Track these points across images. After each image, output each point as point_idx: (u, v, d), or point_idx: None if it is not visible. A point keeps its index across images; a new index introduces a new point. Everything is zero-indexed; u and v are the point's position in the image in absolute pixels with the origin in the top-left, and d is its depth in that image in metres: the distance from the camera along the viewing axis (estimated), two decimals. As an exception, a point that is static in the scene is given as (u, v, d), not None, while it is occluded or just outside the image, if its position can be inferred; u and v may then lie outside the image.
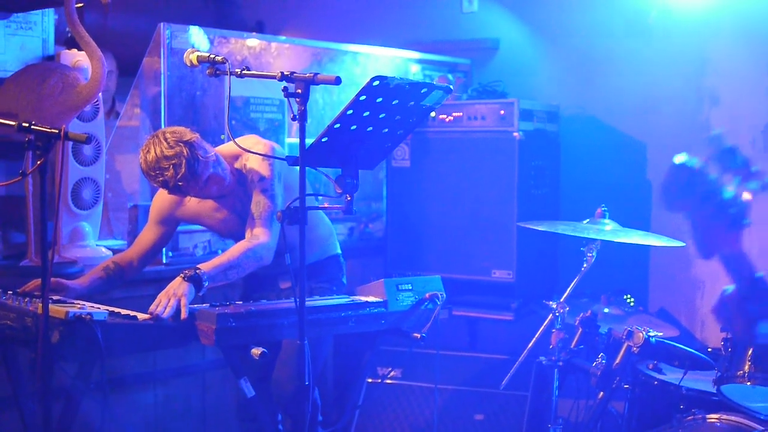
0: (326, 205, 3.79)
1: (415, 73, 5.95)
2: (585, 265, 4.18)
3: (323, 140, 3.10)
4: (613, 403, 4.02)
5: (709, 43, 5.40)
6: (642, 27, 5.56)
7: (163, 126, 4.50)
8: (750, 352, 3.57)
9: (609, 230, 4.14)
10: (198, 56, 3.40)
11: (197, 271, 3.42)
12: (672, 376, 4.04)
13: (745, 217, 1.67)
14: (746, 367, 3.56)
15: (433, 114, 5.30)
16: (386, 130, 3.21)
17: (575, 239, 4.19)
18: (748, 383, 3.55)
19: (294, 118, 2.99)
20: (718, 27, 5.35)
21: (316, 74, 3.01)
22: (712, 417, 3.71)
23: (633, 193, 5.64)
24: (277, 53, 5.17)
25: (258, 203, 3.68)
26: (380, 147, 3.33)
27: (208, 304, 3.42)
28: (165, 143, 3.50)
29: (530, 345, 4.18)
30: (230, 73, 3.28)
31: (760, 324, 1.78)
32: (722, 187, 1.63)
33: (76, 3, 3.93)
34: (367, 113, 3.08)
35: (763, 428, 3.58)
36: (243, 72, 3.30)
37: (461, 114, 5.33)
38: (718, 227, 1.66)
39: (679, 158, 1.63)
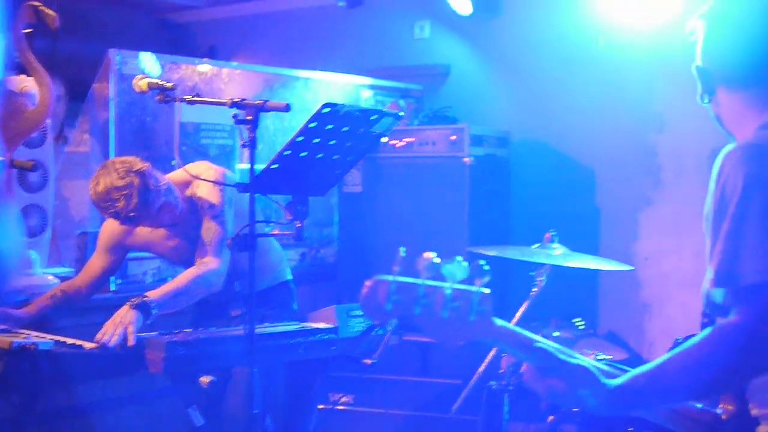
0: (276, 232, 3.78)
1: (366, 98, 5.98)
2: (534, 290, 4.20)
3: (273, 167, 3.10)
4: (563, 426, 4.05)
5: (655, 69, 5.49)
6: (590, 54, 5.64)
7: (112, 152, 4.47)
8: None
9: (558, 255, 4.17)
10: (148, 83, 3.39)
11: (145, 298, 3.39)
12: (621, 399, 4.07)
13: (479, 306, 1.73)
14: (693, 390, 3.60)
15: (384, 139, 5.31)
16: (336, 156, 3.22)
17: (525, 264, 4.21)
18: (698, 405, 3.59)
19: (244, 145, 2.99)
20: (664, 54, 5.44)
21: (266, 101, 3.02)
22: (661, 439, 3.75)
23: (582, 218, 5.70)
24: (228, 79, 5.16)
25: (209, 230, 3.66)
26: (330, 173, 3.33)
27: (157, 332, 3.39)
28: (115, 173, 3.46)
29: (481, 369, 4.19)
30: (180, 99, 3.27)
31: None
32: (436, 287, 1.69)
33: (24, 28, 3.89)
34: (317, 140, 3.09)
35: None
36: (193, 99, 3.29)
37: (413, 139, 5.37)
38: (448, 322, 1.71)
39: (379, 276, 1.69)
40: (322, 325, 3.69)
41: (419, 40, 6.36)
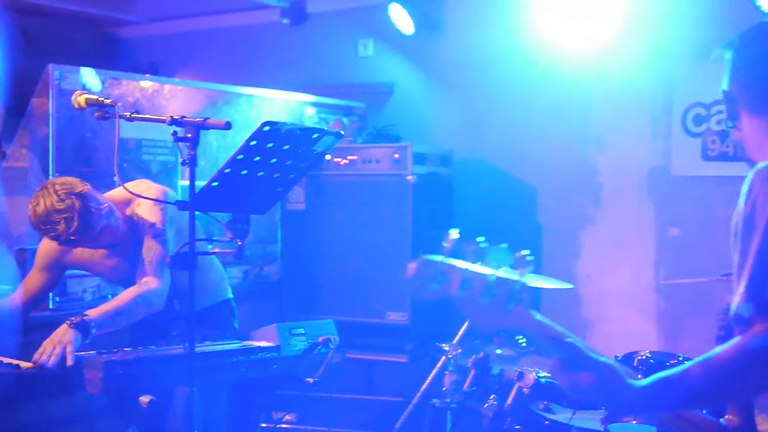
0: (217, 250, 3.75)
1: (310, 116, 5.98)
2: (477, 308, 4.23)
3: (213, 185, 3.08)
4: (505, 443, 4.07)
5: (595, 91, 5.58)
6: (532, 73, 5.71)
7: (51, 167, 4.41)
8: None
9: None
10: (86, 98, 3.34)
11: (85, 317, 3.34)
12: (562, 415, 4.11)
13: (518, 295, 1.76)
14: (632, 406, 3.65)
15: (328, 157, 5.33)
16: (277, 174, 3.21)
17: (468, 281, 4.23)
18: (634, 422, 3.64)
19: (184, 163, 2.96)
20: (603, 75, 5.54)
21: (206, 119, 3.00)
22: (601, 455, 3.79)
23: (524, 236, 5.75)
24: (170, 95, 5.13)
25: (149, 249, 3.62)
26: (272, 191, 3.32)
27: (96, 352, 3.34)
28: (55, 196, 3.38)
29: (423, 387, 4.20)
30: (119, 116, 3.23)
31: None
32: (480, 273, 1.73)
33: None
34: (257, 158, 3.07)
35: (647, 465, 3.67)
36: (132, 115, 3.25)
37: (356, 157, 5.38)
38: (488, 308, 1.74)
39: (427, 256, 1.73)
40: (263, 344, 3.67)
41: (363, 58, 6.39)
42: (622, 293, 5.50)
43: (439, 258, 1.76)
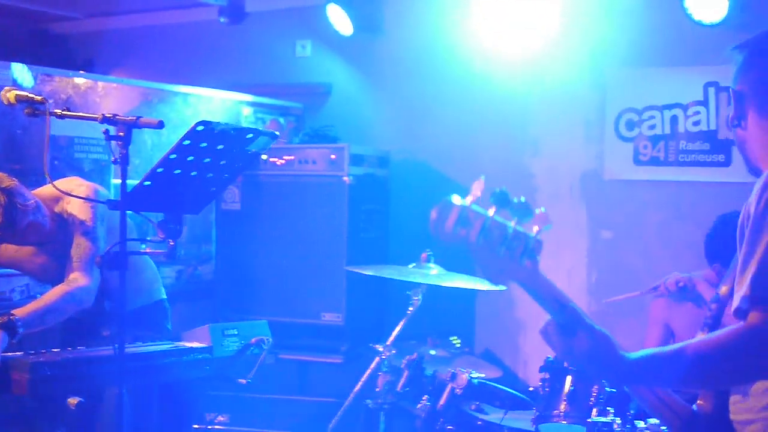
0: (148, 250, 3.71)
1: (247, 115, 5.95)
2: (411, 309, 4.26)
3: (146, 184, 3.05)
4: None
5: (531, 94, 5.64)
6: (469, 76, 5.75)
7: (-20, 164, 4.31)
8: (566, 391, 3.73)
9: (434, 274, 4.23)
10: (16, 95, 3.28)
11: (11, 317, 3.28)
12: (494, 416, 4.15)
13: (532, 251, 1.78)
14: (562, 407, 3.71)
15: (264, 157, 5.30)
16: (211, 174, 3.19)
17: (403, 283, 4.26)
18: (564, 422, 3.69)
19: (115, 162, 2.93)
20: (539, 79, 5.60)
21: (138, 118, 2.97)
22: (532, 455, 3.84)
23: (460, 238, 5.77)
24: (104, 92, 5.06)
25: (79, 246, 3.57)
26: (205, 191, 3.30)
27: (23, 352, 3.28)
28: (-19, 190, 3.34)
29: (357, 388, 4.21)
30: (50, 113, 3.18)
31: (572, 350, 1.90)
32: (501, 222, 1.74)
33: None
34: (191, 158, 3.05)
35: (577, 465, 3.73)
36: (63, 113, 3.21)
37: (293, 157, 5.37)
38: (501, 258, 1.76)
39: (453, 197, 1.74)
40: (196, 345, 3.65)
41: (301, 58, 6.37)
42: (556, 295, 5.55)
43: (463, 202, 1.75)
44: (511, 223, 1.77)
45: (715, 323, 2.27)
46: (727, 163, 5.12)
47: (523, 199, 1.78)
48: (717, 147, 5.15)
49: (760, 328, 1.91)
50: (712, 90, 5.15)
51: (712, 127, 5.16)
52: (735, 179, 5.09)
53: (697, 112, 5.19)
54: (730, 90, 2.27)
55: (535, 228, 1.80)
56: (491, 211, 1.76)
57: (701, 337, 2.18)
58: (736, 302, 1.98)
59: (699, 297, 4.37)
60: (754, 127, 2.21)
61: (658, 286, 4.54)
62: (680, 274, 4.40)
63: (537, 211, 1.80)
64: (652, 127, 5.31)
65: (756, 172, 2.27)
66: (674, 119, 5.25)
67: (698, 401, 2.24)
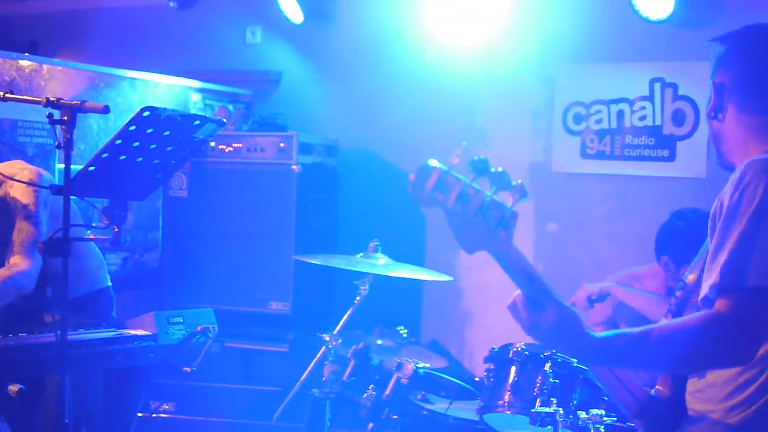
0: (92, 237, 3.67)
1: (195, 101, 5.89)
2: (358, 298, 4.26)
3: (90, 169, 3.01)
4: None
5: (480, 84, 5.66)
6: (419, 66, 5.75)
7: None
8: (510, 382, 3.76)
9: (381, 264, 4.24)
10: (-43, 77, 3.22)
11: (-50, 302, 3.23)
12: (439, 405, 4.18)
13: (508, 220, 1.78)
14: (506, 397, 3.74)
15: (212, 144, 5.26)
16: (157, 161, 3.16)
17: (351, 272, 4.26)
18: (508, 412, 3.72)
19: (59, 146, 2.88)
20: (488, 70, 5.62)
21: (83, 102, 2.92)
22: (476, 445, 3.87)
23: (408, 228, 5.80)
24: (49, 76, 4.98)
25: (20, 230, 3.52)
26: (151, 178, 3.27)
27: (-38, 339, 3.23)
28: None
29: (303, 377, 4.21)
30: (-9, 96, 3.12)
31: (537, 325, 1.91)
32: (479, 190, 1.74)
33: None
34: (137, 143, 3.02)
35: (521, 454, 3.77)
36: (6, 96, 3.15)
37: (241, 145, 5.33)
38: (476, 226, 1.76)
39: (432, 161, 1.73)
40: (140, 332, 3.62)
41: (251, 45, 6.32)
42: (502, 286, 5.53)
43: (443, 166, 1.73)
44: (489, 192, 1.76)
45: (679, 310, 2.30)
46: (671, 158, 5.20)
47: (500, 168, 1.77)
48: (662, 142, 5.22)
49: (725, 315, 1.94)
50: (657, 86, 5.22)
51: (658, 122, 5.23)
52: (679, 174, 5.18)
53: (643, 107, 5.26)
54: (710, 82, 2.27)
55: (511, 199, 1.79)
56: (469, 178, 1.75)
57: (663, 323, 2.21)
58: (704, 291, 2.01)
59: (618, 302, 4.36)
60: (732, 121, 2.23)
61: (574, 303, 4.56)
62: (589, 286, 4.30)
63: (514, 182, 1.79)
64: (599, 121, 5.37)
65: (727, 166, 2.30)
66: (620, 114, 5.32)
67: (657, 386, 2.27)
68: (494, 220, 1.77)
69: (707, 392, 2.15)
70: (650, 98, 5.24)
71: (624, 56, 5.32)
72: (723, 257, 1.97)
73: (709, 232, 2.12)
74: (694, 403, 2.19)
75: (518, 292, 1.96)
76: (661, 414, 2.24)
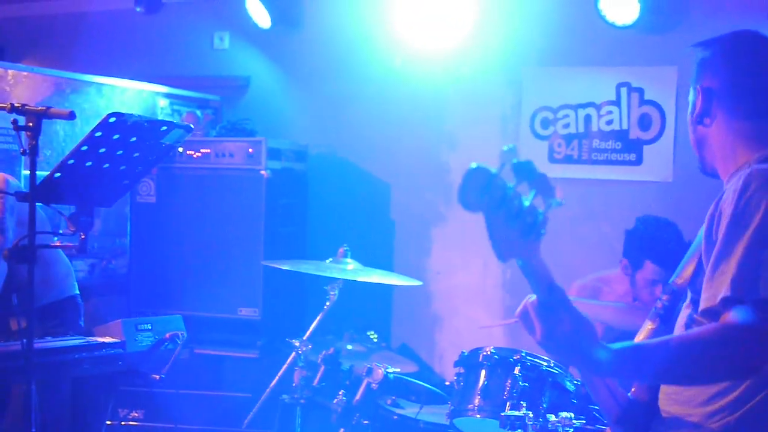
0: (59, 244, 3.64)
1: (163, 107, 5.86)
2: (327, 303, 4.26)
3: (56, 175, 2.99)
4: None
5: (448, 89, 5.68)
6: (388, 71, 5.76)
7: None
8: (480, 386, 3.77)
9: (351, 269, 4.24)
10: None
11: None
12: (410, 410, 4.18)
13: (541, 227, 1.76)
14: (476, 401, 3.74)
15: (180, 150, 5.24)
16: (124, 167, 3.14)
17: (321, 278, 4.26)
18: (478, 416, 3.73)
19: (24, 153, 2.86)
20: (456, 75, 5.64)
21: (49, 108, 2.90)
22: (445, 449, 3.88)
23: (377, 233, 5.81)
24: (14, 81, 4.94)
25: (-14, 238, 3.49)
26: (118, 184, 3.25)
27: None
28: None
29: (273, 383, 4.19)
30: (-46, 102, 3.08)
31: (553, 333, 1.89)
32: (518, 195, 1.72)
33: None
34: (103, 150, 3.00)
35: (491, 458, 3.77)
36: (-30, 102, 3.12)
37: (209, 150, 5.31)
38: (512, 233, 1.74)
39: (480, 165, 1.70)
40: (108, 340, 3.59)
41: (219, 50, 6.30)
42: (471, 290, 5.62)
43: (493, 170, 1.71)
44: (528, 198, 1.75)
45: (667, 314, 2.29)
46: (638, 162, 5.24)
47: (539, 172, 1.75)
48: (628, 146, 5.26)
49: (738, 327, 1.92)
50: (624, 90, 5.26)
51: (624, 126, 5.27)
52: (646, 178, 5.22)
53: (610, 112, 5.30)
54: (697, 86, 2.25)
55: (543, 205, 1.76)
56: (512, 182, 1.73)
57: (649, 327, 2.20)
58: (710, 302, 1.98)
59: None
60: (720, 126, 2.21)
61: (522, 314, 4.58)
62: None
63: (549, 185, 1.75)
64: (567, 125, 5.41)
65: (709, 171, 2.29)
66: (588, 118, 5.36)
67: (632, 389, 2.26)
68: (529, 226, 1.75)
69: (684, 394, 2.14)
70: (617, 103, 5.29)
71: (591, 61, 5.36)
72: (731, 269, 1.95)
73: (705, 238, 2.11)
74: (669, 405, 2.18)
75: (529, 299, 1.92)
76: (636, 417, 2.24)
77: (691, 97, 2.29)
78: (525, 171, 1.72)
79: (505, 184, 1.71)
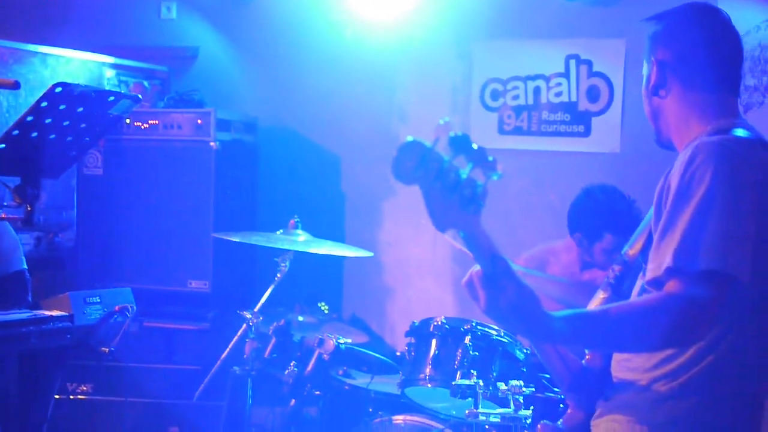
0: (3, 216, 3.58)
1: (110, 77, 5.78)
2: (278, 275, 4.26)
3: (0, 147, 2.93)
4: (305, 409, 4.12)
5: (399, 60, 5.68)
6: (338, 43, 5.73)
7: None
8: (431, 355, 3.80)
9: (301, 241, 4.24)
10: None
11: None
12: (361, 380, 4.21)
13: (480, 199, 1.77)
14: (427, 370, 3.78)
15: (128, 121, 5.17)
16: (71, 138, 3.10)
17: (271, 250, 4.25)
18: (429, 385, 3.77)
19: (-33, 124, 2.81)
20: (406, 47, 5.64)
21: (-8, 77, 2.85)
22: (398, 418, 3.92)
23: (328, 205, 5.81)
24: (-44, 51, 4.84)
25: (-71, 211, 3.42)
26: (65, 155, 3.20)
27: None
28: None
29: (224, 355, 4.19)
30: None
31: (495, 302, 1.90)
32: (455, 168, 1.73)
33: None
34: (49, 120, 2.95)
35: (442, 427, 3.82)
36: None
37: (157, 122, 5.25)
38: (451, 204, 1.75)
39: (414, 138, 1.72)
40: (56, 313, 3.55)
41: (166, 20, 6.21)
42: (422, 261, 5.65)
43: (426, 143, 1.72)
44: (465, 170, 1.76)
45: (618, 284, 2.34)
46: (586, 133, 5.29)
47: (476, 146, 1.76)
48: (577, 118, 5.31)
49: (678, 297, 1.96)
50: (573, 62, 5.30)
51: (573, 98, 5.31)
52: (594, 149, 5.27)
53: (559, 84, 5.34)
54: (651, 59, 2.28)
55: (483, 177, 1.78)
56: (448, 155, 1.74)
57: (601, 296, 2.24)
58: (655, 272, 2.02)
59: None
60: (675, 97, 2.25)
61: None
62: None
63: (490, 157, 1.77)
64: (516, 97, 5.44)
65: (664, 143, 2.33)
66: (537, 90, 5.39)
67: (587, 356, 2.30)
68: (468, 198, 1.77)
69: (633, 361, 2.19)
70: (566, 75, 5.32)
71: (540, 33, 5.38)
72: (674, 239, 1.99)
73: (654, 209, 2.14)
74: (619, 371, 2.23)
75: (474, 269, 1.94)
76: (589, 384, 2.28)
77: (645, 70, 2.32)
78: (461, 144, 1.74)
79: (441, 156, 1.72)
